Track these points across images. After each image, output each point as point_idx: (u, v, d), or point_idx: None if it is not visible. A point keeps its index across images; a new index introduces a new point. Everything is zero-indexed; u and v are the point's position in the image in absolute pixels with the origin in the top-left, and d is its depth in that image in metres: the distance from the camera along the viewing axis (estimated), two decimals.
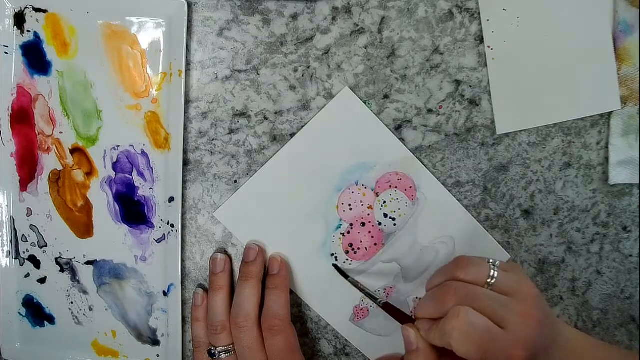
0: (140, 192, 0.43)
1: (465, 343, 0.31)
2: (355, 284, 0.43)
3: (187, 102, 0.43)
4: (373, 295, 0.41)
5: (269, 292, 0.43)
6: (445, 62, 0.42)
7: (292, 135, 0.43)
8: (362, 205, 0.43)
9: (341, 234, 0.44)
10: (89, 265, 0.45)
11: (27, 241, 0.46)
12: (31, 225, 0.45)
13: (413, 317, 0.37)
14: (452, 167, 0.43)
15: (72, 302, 0.46)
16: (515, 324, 0.31)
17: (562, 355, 0.35)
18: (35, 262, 0.46)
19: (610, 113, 0.42)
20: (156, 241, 0.44)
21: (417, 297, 0.45)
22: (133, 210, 0.44)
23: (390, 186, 0.43)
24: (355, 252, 0.44)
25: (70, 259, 0.46)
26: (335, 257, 0.44)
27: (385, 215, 0.44)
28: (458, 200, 0.44)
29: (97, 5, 0.41)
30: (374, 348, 0.46)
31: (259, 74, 0.42)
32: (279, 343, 0.40)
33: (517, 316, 0.32)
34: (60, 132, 0.43)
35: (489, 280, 0.33)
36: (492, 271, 0.34)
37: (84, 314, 0.46)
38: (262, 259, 0.44)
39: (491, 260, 0.35)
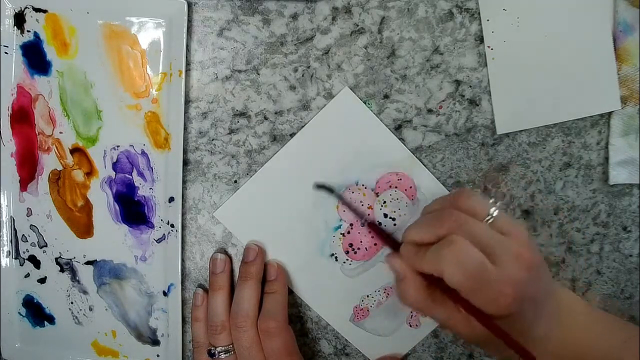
0: (140, 192, 0.43)
1: (457, 272, 0.30)
2: (340, 197, 0.42)
3: (187, 102, 0.43)
4: (358, 213, 0.40)
5: (266, 296, 0.43)
6: (445, 62, 0.42)
7: (292, 135, 0.43)
8: (362, 205, 0.43)
9: (341, 234, 0.44)
10: (89, 265, 0.45)
11: (27, 241, 0.46)
12: (31, 225, 0.45)
13: (400, 241, 0.35)
14: (452, 167, 0.43)
15: (72, 302, 0.46)
16: (507, 261, 0.31)
17: (556, 313, 0.35)
18: (35, 262, 0.46)
19: (610, 113, 0.42)
20: (156, 241, 0.44)
21: None
22: (133, 210, 0.44)
23: (390, 186, 0.43)
24: (355, 252, 0.44)
25: (70, 259, 0.46)
26: (335, 257, 0.44)
27: (385, 215, 0.44)
28: None
29: (97, 5, 0.41)
30: (374, 348, 0.46)
31: (259, 74, 0.42)
32: (276, 345, 0.40)
33: (510, 255, 0.31)
34: (60, 132, 0.43)
35: (487, 218, 0.33)
36: (493, 209, 0.33)
37: (84, 314, 0.46)
38: (261, 259, 0.44)
39: (492, 200, 0.35)
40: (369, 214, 0.38)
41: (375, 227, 0.38)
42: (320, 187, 0.42)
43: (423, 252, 0.32)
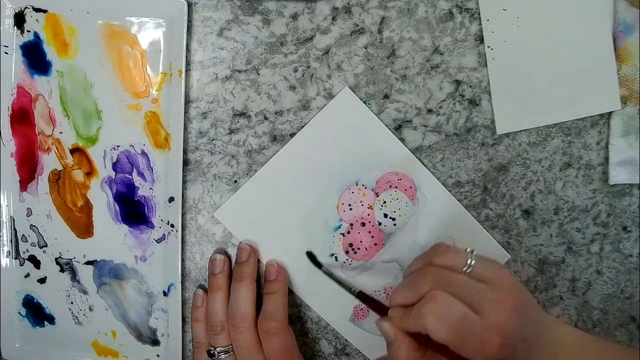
0: (140, 192, 0.43)
1: (441, 327, 0.31)
2: (329, 274, 0.42)
3: (187, 102, 0.43)
4: (347, 285, 0.40)
5: (266, 296, 0.43)
6: (445, 62, 0.42)
7: (292, 135, 0.43)
8: (362, 205, 0.43)
9: (341, 234, 0.44)
10: (89, 265, 0.45)
11: (27, 241, 0.46)
12: (31, 225, 0.45)
13: (388, 305, 0.36)
14: (452, 167, 0.43)
15: (72, 302, 0.46)
16: (490, 310, 0.31)
17: (550, 349, 0.35)
18: (35, 262, 0.46)
19: (610, 113, 0.42)
20: (156, 241, 0.44)
21: None
22: (133, 210, 0.44)
23: (390, 186, 0.43)
24: (355, 252, 0.44)
25: (70, 259, 0.46)
26: (335, 257, 0.44)
27: (385, 215, 0.44)
28: (458, 200, 0.44)
29: (97, 5, 0.41)
30: (374, 348, 0.46)
31: (259, 74, 0.42)
32: (276, 346, 0.40)
33: (492, 302, 0.32)
34: (60, 132, 0.43)
35: (465, 268, 0.33)
36: (470, 259, 0.34)
37: (84, 314, 0.46)
38: (254, 258, 0.44)
39: (469, 249, 0.35)
40: (353, 289, 0.39)
41: (363, 296, 0.39)
42: (309, 256, 0.44)
43: (409, 313, 0.33)
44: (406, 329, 0.33)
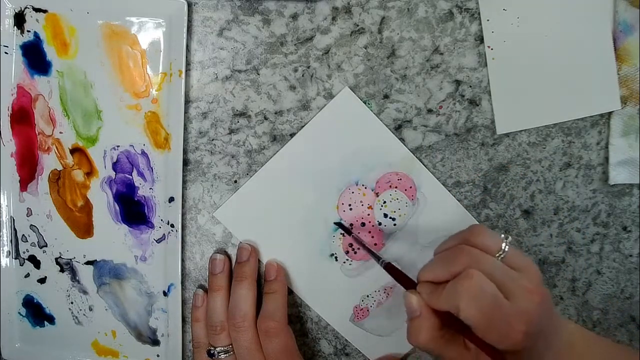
0: (140, 192, 0.43)
1: (473, 306, 0.30)
2: (359, 241, 0.42)
3: (187, 102, 0.43)
4: (376, 254, 0.40)
5: (266, 296, 0.43)
6: (445, 62, 0.42)
7: (292, 135, 0.43)
8: (362, 205, 0.43)
9: (341, 234, 0.44)
10: (89, 265, 0.45)
11: (27, 241, 0.46)
12: (31, 225, 0.45)
13: (416, 281, 0.36)
14: (452, 167, 0.43)
15: (72, 302, 0.46)
16: (520, 297, 0.31)
17: (560, 348, 0.35)
18: (35, 262, 0.46)
19: (610, 113, 0.42)
20: (156, 241, 0.44)
21: None
22: (133, 210, 0.44)
23: (390, 186, 0.43)
24: (355, 252, 0.44)
25: (70, 259, 0.46)
26: (335, 257, 0.44)
27: (385, 215, 0.44)
28: (458, 200, 0.44)
29: (97, 5, 0.41)
30: (374, 348, 0.46)
31: (259, 74, 0.42)
32: (276, 345, 0.40)
33: (523, 290, 0.31)
34: (60, 132, 0.43)
35: (500, 253, 0.33)
36: (504, 244, 0.34)
37: (84, 314, 0.46)
38: (255, 258, 0.44)
39: (504, 235, 0.35)
40: (382, 260, 0.39)
41: (392, 269, 0.38)
42: (339, 225, 0.44)
43: (440, 290, 0.32)
44: (434, 306, 0.33)
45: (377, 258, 0.39)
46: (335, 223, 0.44)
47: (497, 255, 0.33)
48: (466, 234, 0.35)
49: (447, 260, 0.34)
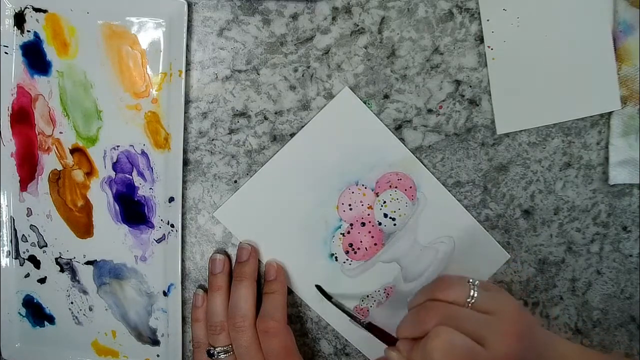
0: (140, 192, 0.43)
1: None
2: (339, 306, 0.43)
3: (187, 102, 0.43)
4: (356, 317, 0.42)
5: (265, 296, 0.43)
6: (445, 62, 0.42)
7: (292, 135, 0.43)
8: (362, 205, 0.43)
9: (341, 233, 0.44)
10: (89, 265, 0.45)
11: (27, 241, 0.46)
12: (31, 225, 0.45)
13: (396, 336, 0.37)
14: (452, 167, 0.43)
15: (72, 302, 0.46)
16: (495, 342, 0.32)
17: None
18: (35, 262, 0.46)
19: (610, 113, 0.42)
20: (156, 241, 0.44)
21: None
22: (133, 210, 0.44)
23: (390, 186, 0.43)
24: (355, 252, 0.44)
25: (70, 259, 0.46)
26: (335, 257, 0.44)
27: (385, 215, 0.44)
28: (458, 200, 0.44)
29: (97, 5, 0.41)
30: (374, 348, 0.46)
31: (259, 74, 0.42)
32: (275, 345, 0.40)
33: (497, 334, 0.32)
34: (60, 132, 0.43)
35: (468, 300, 0.34)
36: (472, 291, 0.34)
37: (84, 314, 0.46)
38: (255, 258, 0.44)
39: (471, 280, 0.35)
40: (363, 321, 0.41)
41: (374, 328, 0.39)
42: (319, 289, 0.44)
43: (417, 346, 0.33)
44: None
45: (357, 320, 0.41)
46: (316, 286, 0.44)
47: (467, 302, 0.34)
48: (432, 289, 0.36)
49: (417, 319, 0.34)
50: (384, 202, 0.43)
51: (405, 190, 0.43)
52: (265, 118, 0.43)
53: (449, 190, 0.44)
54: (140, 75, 0.42)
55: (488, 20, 0.41)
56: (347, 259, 0.44)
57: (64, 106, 0.43)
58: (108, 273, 0.45)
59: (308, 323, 0.46)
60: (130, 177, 0.43)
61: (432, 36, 0.41)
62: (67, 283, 0.46)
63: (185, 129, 0.43)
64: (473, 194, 0.44)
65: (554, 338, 0.39)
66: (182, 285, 0.45)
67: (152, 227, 0.44)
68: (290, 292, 0.45)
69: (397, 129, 0.43)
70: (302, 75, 0.42)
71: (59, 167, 0.44)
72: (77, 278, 0.46)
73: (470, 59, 0.42)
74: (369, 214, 0.44)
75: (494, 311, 0.34)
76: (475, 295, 0.34)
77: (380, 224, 0.44)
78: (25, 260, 0.46)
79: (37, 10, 0.41)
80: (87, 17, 0.41)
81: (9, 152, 0.44)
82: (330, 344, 0.47)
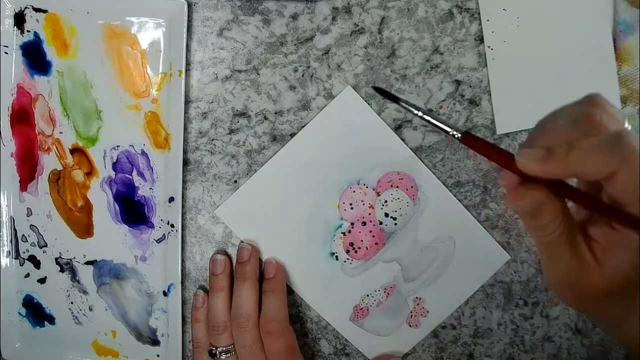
0: (140, 192, 0.43)
1: (632, 175, 0.23)
2: (413, 106, 0.29)
3: (187, 102, 0.43)
4: (449, 125, 0.28)
5: (265, 296, 0.42)
6: (445, 62, 0.42)
7: (292, 135, 0.43)
8: (363, 204, 0.43)
9: (342, 233, 0.44)
10: (89, 265, 0.45)
11: (27, 241, 0.46)
12: (31, 225, 0.45)
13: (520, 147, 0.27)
14: (452, 167, 0.43)
15: (72, 302, 0.46)
16: None
17: None
18: (35, 262, 0.46)
19: None
20: (156, 241, 0.44)
21: (417, 297, 0.45)
22: (133, 210, 0.44)
23: (392, 186, 0.43)
24: (355, 252, 0.44)
25: (70, 259, 0.46)
26: (336, 257, 0.44)
27: (387, 215, 0.44)
28: (458, 200, 0.44)
29: (97, 5, 0.41)
30: (373, 348, 0.46)
31: (259, 74, 0.42)
32: (278, 346, 0.40)
33: None
34: (60, 132, 0.43)
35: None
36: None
37: (84, 314, 0.46)
38: (255, 258, 0.44)
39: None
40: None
41: (472, 139, 0.27)
42: (378, 90, 0.31)
43: (563, 153, 0.24)
44: (553, 174, 0.25)
45: (450, 129, 0.28)
46: (372, 87, 0.33)
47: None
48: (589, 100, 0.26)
49: (577, 116, 0.25)
50: (385, 201, 0.43)
51: (407, 190, 0.43)
52: (265, 118, 0.43)
53: (450, 190, 0.44)
54: (140, 75, 0.42)
55: (488, 20, 0.41)
56: (348, 258, 0.44)
57: (64, 106, 0.43)
58: (108, 273, 0.45)
59: (308, 323, 0.46)
60: (130, 177, 0.43)
61: (432, 36, 0.41)
62: (67, 283, 0.46)
63: (185, 129, 0.43)
64: (473, 194, 0.44)
65: None
66: (182, 285, 0.45)
67: (152, 227, 0.44)
68: (290, 291, 0.45)
69: (397, 129, 0.43)
70: (302, 75, 0.42)
71: (59, 167, 0.44)
72: (77, 278, 0.46)
73: (470, 59, 0.42)
74: (370, 214, 0.44)
75: None
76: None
77: (381, 223, 0.44)
78: (25, 260, 0.46)
79: (37, 10, 0.41)
80: (87, 17, 0.41)
81: (9, 152, 0.44)
82: (330, 344, 0.47)
